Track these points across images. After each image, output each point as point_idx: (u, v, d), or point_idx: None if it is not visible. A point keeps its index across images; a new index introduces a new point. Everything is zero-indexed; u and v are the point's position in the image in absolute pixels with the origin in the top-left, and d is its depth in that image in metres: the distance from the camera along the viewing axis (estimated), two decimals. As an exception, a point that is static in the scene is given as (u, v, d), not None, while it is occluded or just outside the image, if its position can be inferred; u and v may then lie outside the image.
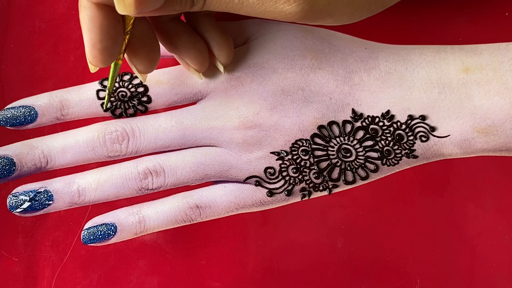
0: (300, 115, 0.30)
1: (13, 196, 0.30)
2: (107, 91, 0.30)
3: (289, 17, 0.24)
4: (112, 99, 0.31)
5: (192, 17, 0.29)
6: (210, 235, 0.32)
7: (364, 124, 0.29)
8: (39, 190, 0.30)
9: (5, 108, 0.30)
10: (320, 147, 0.29)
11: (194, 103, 0.31)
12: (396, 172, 0.30)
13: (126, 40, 0.26)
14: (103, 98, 0.30)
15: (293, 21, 0.24)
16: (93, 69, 0.26)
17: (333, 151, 0.30)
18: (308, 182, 0.30)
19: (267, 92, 0.30)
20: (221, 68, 0.29)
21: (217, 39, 0.29)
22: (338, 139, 0.30)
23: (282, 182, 0.30)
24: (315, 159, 0.29)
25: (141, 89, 0.31)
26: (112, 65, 0.28)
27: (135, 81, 0.31)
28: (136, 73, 0.28)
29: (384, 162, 0.29)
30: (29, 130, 0.31)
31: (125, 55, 0.27)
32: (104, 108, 0.30)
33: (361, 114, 0.30)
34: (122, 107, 0.31)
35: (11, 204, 0.29)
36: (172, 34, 0.28)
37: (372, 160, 0.29)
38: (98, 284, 0.32)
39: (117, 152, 0.30)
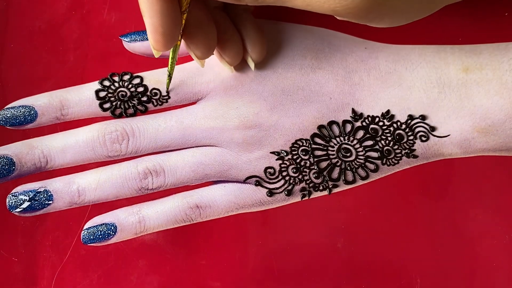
0: (300, 115, 0.30)
1: (12, 196, 0.29)
2: (167, 73, 0.29)
3: (349, 9, 0.22)
4: (112, 98, 0.31)
5: (231, 11, 0.29)
6: (210, 235, 0.32)
7: (364, 124, 0.29)
8: (38, 190, 0.30)
9: (5, 108, 0.30)
10: (320, 147, 0.29)
11: (194, 103, 0.31)
12: (396, 172, 0.30)
13: (183, 21, 0.26)
14: (103, 98, 0.30)
15: (348, 16, 0.23)
16: (156, 54, 0.27)
17: (333, 151, 0.30)
18: (308, 182, 0.30)
19: (267, 92, 0.30)
20: (252, 65, 0.30)
21: (253, 35, 0.29)
22: (338, 139, 0.30)
23: (282, 182, 0.30)
24: (315, 159, 0.29)
25: (141, 89, 0.31)
26: (172, 47, 0.28)
27: (135, 81, 0.31)
28: (195, 59, 0.28)
29: (384, 162, 0.29)
30: (29, 130, 0.31)
31: (182, 41, 0.27)
32: (166, 91, 0.31)
33: (361, 114, 0.30)
34: (122, 107, 0.31)
35: (10, 203, 0.29)
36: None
37: (372, 160, 0.29)
38: (98, 284, 0.32)
39: (117, 152, 0.30)
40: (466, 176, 0.31)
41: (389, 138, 0.29)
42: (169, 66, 0.29)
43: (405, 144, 0.29)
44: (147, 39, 0.31)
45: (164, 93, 0.31)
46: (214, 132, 0.30)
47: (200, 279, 0.32)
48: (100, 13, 0.34)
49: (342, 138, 0.30)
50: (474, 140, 0.28)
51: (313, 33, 0.31)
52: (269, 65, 0.30)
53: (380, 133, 0.29)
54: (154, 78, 0.31)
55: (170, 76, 0.30)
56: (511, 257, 0.31)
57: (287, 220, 0.32)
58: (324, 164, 0.29)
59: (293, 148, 0.29)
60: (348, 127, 0.30)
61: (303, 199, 0.30)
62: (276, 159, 0.30)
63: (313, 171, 0.29)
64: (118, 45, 0.33)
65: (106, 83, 0.31)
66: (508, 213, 0.31)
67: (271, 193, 0.30)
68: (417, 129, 0.29)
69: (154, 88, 0.31)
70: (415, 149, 0.29)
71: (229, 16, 0.29)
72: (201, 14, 0.27)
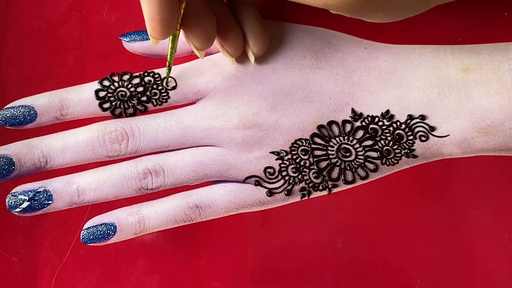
0: (299, 114, 0.30)
1: (12, 195, 0.29)
2: (167, 63, 0.29)
3: (340, 2, 0.22)
4: (112, 98, 0.31)
5: (234, 4, 0.29)
6: (209, 235, 0.32)
7: (363, 123, 0.29)
8: (38, 190, 0.30)
9: (5, 107, 0.30)
10: (320, 146, 0.29)
11: (193, 102, 0.31)
12: (396, 172, 0.30)
13: (182, 10, 0.26)
14: (102, 98, 0.30)
15: (340, 10, 0.23)
16: (154, 42, 0.26)
17: (333, 150, 0.30)
18: (307, 181, 0.30)
19: (266, 91, 0.30)
20: (252, 58, 0.30)
21: (255, 29, 0.29)
22: (337, 138, 0.30)
23: (281, 181, 0.30)
24: (315, 159, 0.29)
25: (140, 89, 0.31)
26: (171, 37, 0.28)
27: (135, 81, 0.31)
28: (194, 50, 0.28)
29: (383, 161, 0.29)
30: (29, 130, 0.31)
31: (182, 32, 0.27)
32: (166, 81, 0.31)
33: (361, 114, 0.30)
34: (121, 106, 0.31)
35: (10, 203, 0.29)
36: (214, 13, 0.28)
37: (371, 160, 0.29)
38: (98, 284, 0.32)
39: (117, 152, 0.30)
40: (465, 176, 0.31)
41: (389, 138, 0.29)
42: (169, 56, 0.29)
43: (404, 144, 0.29)
44: (147, 39, 0.31)
45: (168, 87, 0.31)
46: (214, 132, 0.30)
47: (199, 279, 0.32)
48: (100, 13, 0.34)
49: (341, 138, 0.30)
50: (473, 140, 0.28)
51: (313, 33, 0.31)
52: (269, 65, 0.30)
53: (379, 133, 0.29)
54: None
55: (169, 67, 0.29)
56: (510, 257, 0.31)
57: (287, 220, 0.32)
58: (323, 164, 0.29)
59: (292, 148, 0.29)
60: (348, 127, 0.30)
61: (303, 199, 0.30)
62: (276, 159, 0.30)
63: (313, 171, 0.29)
64: (117, 45, 0.33)
65: (106, 83, 0.31)
66: (508, 213, 0.31)
67: (270, 193, 0.30)
68: (416, 129, 0.29)
69: (154, 88, 0.31)
70: (414, 149, 0.29)
71: (232, 9, 0.29)
72: (199, 4, 0.27)
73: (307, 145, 0.29)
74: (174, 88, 0.31)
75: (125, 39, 0.32)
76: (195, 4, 0.27)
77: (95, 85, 0.31)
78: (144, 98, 0.31)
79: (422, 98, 0.29)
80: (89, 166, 0.31)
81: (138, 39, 0.31)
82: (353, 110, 0.30)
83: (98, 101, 0.30)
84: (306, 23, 0.32)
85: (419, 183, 0.31)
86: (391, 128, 0.29)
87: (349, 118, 0.30)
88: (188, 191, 0.30)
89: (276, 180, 0.30)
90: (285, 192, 0.30)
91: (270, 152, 0.30)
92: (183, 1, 0.26)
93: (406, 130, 0.29)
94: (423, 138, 0.29)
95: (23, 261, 0.32)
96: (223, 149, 0.30)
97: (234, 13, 0.29)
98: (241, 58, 0.30)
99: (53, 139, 0.30)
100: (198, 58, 0.30)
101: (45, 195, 0.30)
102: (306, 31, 0.31)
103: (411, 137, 0.29)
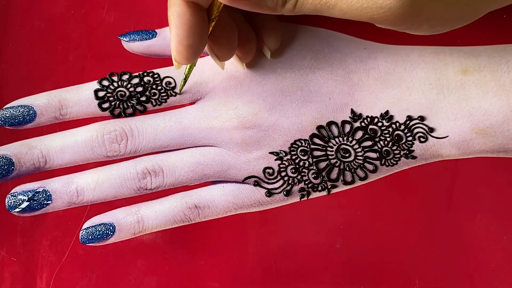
0: (299, 115, 0.30)
1: (11, 195, 0.29)
2: (184, 76, 0.29)
3: (386, 16, 0.22)
4: (111, 98, 0.31)
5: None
6: (208, 235, 0.32)
7: (363, 124, 0.30)
8: (37, 190, 0.30)
9: (4, 107, 0.30)
10: (319, 147, 0.30)
11: (193, 103, 0.31)
12: (395, 173, 0.30)
13: (211, 28, 0.26)
14: (101, 98, 0.30)
15: (385, 23, 0.22)
16: (177, 66, 0.26)
17: (332, 151, 0.30)
18: (307, 182, 0.30)
19: (266, 92, 0.30)
20: (268, 54, 0.30)
21: (268, 23, 0.29)
22: (337, 139, 0.30)
23: (280, 182, 0.30)
24: (314, 159, 0.29)
25: (139, 89, 0.31)
26: None
27: (134, 81, 0.31)
28: (215, 60, 0.28)
29: (383, 162, 0.29)
30: (28, 130, 0.30)
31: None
32: (179, 93, 0.31)
33: (360, 115, 0.30)
34: (120, 106, 0.31)
35: (9, 204, 0.29)
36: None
37: (371, 161, 0.29)
38: (97, 284, 0.32)
39: (116, 152, 0.30)
40: (463, 178, 0.31)
41: (388, 139, 0.29)
42: (187, 69, 0.29)
43: (403, 145, 0.29)
44: (146, 39, 0.31)
45: (177, 90, 0.31)
46: (213, 132, 0.30)
47: (198, 279, 0.32)
48: (99, 12, 0.34)
49: (341, 139, 0.30)
50: (472, 141, 0.28)
51: (313, 33, 0.31)
52: (268, 65, 0.30)
53: (379, 134, 0.29)
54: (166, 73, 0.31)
55: (185, 79, 0.30)
56: (509, 258, 0.31)
57: (286, 221, 0.32)
58: (323, 165, 0.30)
59: (292, 149, 0.30)
60: (347, 127, 0.30)
61: (302, 199, 0.30)
62: (275, 159, 0.30)
63: (312, 171, 0.30)
64: (117, 44, 0.33)
65: (105, 82, 0.31)
66: (506, 214, 0.31)
67: (270, 193, 0.30)
68: (415, 130, 0.29)
69: (154, 88, 0.31)
70: (413, 150, 0.29)
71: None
72: (225, 18, 0.27)
73: (306, 145, 0.30)
74: (174, 89, 0.31)
75: (124, 39, 0.32)
76: (221, 17, 0.26)
77: (94, 85, 0.31)
78: (143, 98, 0.31)
79: (421, 99, 0.29)
80: (89, 166, 0.31)
81: (137, 39, 0.31)
82: (352, 111, 0.30)
83: (97, 101, 0.30)
84: (306, 23, 0.32)
85: (418, 184, 0.31)
86: (390, 129, 0.29)
87: (348, 119, 0.30)
88: (187, 191, 0.30)
89: (275, 180, 0.30)
90: (284, 192, 0.30)
91: (269, 153, 0.30)
92: (214, 20, 0.25)
93: (405, 131, 0.29)
94: (422, 139, 0.29)
95: (22, 261, 0.32)
96: (222, 150, 0.30)
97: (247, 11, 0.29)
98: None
99: (53, 139, 0.30)
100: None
101: (44, 195, 0.30)
102: (306, 32, 0.31)
103: (410, 138, 0.29)
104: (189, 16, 0.24)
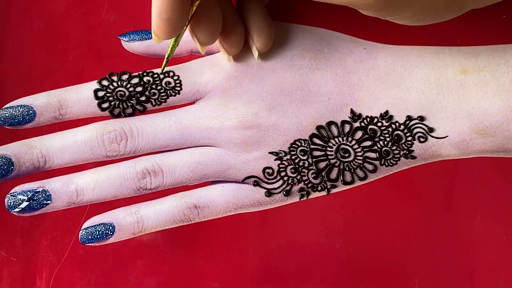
0: (298, 115, 0.30)
1: (11, 195, 0.29)
2: (166, 55, 0.29)
3: (366, 0, 0.21)
4: (111, 98, 0.31)
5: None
6: (208, 235, 0.32)
7: (362, 124, 0.30)
8: (37, 190, 0.30)
9: (3, 107, 0.30)
10: (319, 147, 0.30)
11: (192, 103, 0.31)
12: (395, 173, 0.30)
13: (194, 8, 0.25)
14: (101, 98, 0.30)
15: (365, 7, 0.22)
16: (156, 40, 0.26)
17: (332, 151, 0.30)
18: (306, 182, 0.30)
19: (265, 92, 0.30)
20: (256, 54, 0.29)
21: (260, 24, 0.29)
22: (336, 139, 0.30)
23: (280, 182, 0.30)
24: (314, 159, 0.29)
25: (139, 89, 0.31)
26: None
27: (134, 81, 0.31)
28: (196, 44, 0.28)
29: (382, 162, 0.29)
30: (28, 130, 0.30)
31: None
32: (161, 72, 0.30)
33: (360, 115, 0.30)
34: (120, 106, 0.31)
35: (9, 203, 0.29)
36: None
37: (370, 161, 0.29)
38: (96, 284, 0.32)
39: (116, 151, 0.30)
40: (463, 178, 0.31)
41: (388, 139, 0.29)
42: (169, 49, 0.28)
43: (403, 145, 0.29)
44: (146, 39, 0.31)
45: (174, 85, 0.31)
46: (213, 132, 0.30)
47: (198, 279, 0.32)
48: (99, 12, 0.34)
49: (340, 139, 0.30)
50: (472, 141, 0.28)
51: (312, 33, 0.31)
52: (268, 65, 0.30)
53: (378, 134, 0.29)
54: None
55: (167, 60, 0.29)
56: (509, 258, 0.31)
57: (286, 221, 0.32)
58: (322, 165, 0.30)
59: (291, 149, 0.29)
60: (347, 127, 0.30)
61: (302, 199, 0.30)
62: (275, 159, 0.30)
63: (312, 171, 0.29)
64: (117, 44, 0.33)
65: (105, 82, 0.31)
66: (506, 214, 0.31)
67: (269, 193, 0.30)
68: (415, 130, 0.29)
69: (153, 88, 0.31)
70: (413, 150, 0.29)
71: (239, 4, 0.29)
72: (212, 1, 0.26)
73: (306, 145, 0.30)
74: (174, 88, 0.31)
75: (124, 39, 0.32)
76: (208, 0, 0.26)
77: (94, 84, 0.31)
78: (143, 98, 0.31)
79: (421, 99, 0.29)
80: (88, 166, 0.31)
81: (137, 38, 0.31)
82: (352, 111, 0.30)
83: (97, 101, 0.30)
84: (306, 23, 0.32)
85: (417, 184, 0.31)
86: (390, 129, 0.29)
87: (348, 119, 0.30)
88: (187, 191, 0.30)
89: (275, 180, 0.30)
90: (284, 192, 0.30)
91: (269, 153, 0.30)
92: (196, 0, 0.25)
93: (405, 131, 0.29)
94: (422, 139, 0.29)
95: (22, 261, 0.32)
96: (222, 150, 0.30)
97: (240, 7, 0.29)
98: (241, 58, 0.30)
99: (52, 139, 0.30)
100: (197, 59, 0.30)
101: (44, 195, 0.30)
102: (305, 31, 0.31)
103: (409, 138, 0.29)
104: None
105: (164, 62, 0.29)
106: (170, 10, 0.24)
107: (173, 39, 0.27)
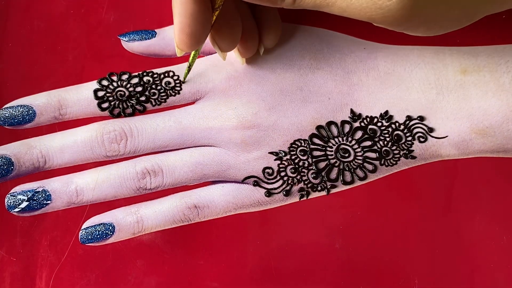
0: (298, 115, 0.30)
1: (11, 195, 0.29)
2: (188, 64, 0.29)
3: (385, 17, 0.21)
4: (111, 98, 0.31)
5: None
6: (208, 235, 0.32)
7: (362, 124, 0.30)
8: (37, 190, 0.30)
9: (3, 107, 0.30)
10: (319, 147, 0.30)
11: (192, 102, 0.31)
12: (395, 173, 0.30)
13: (214, 17, 0.25)
14: (101, 98, 0.30)
15: (384, 23, 0.22)
16: (179, 52, 0.26)
17: (332, 151, 0.30)
18: (306, 182, 0.30)
19: (265, 92, 0.30)
20: (261, 49, 0.30)
21: (269, 21, 0.29)
22: (336, 139, 0.30)
23: (280, 182, 0.30)
24: (314, 159, 0.29)
25: (139, 89, 0.31)
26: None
27: (133, 81, 0.31)
28: (218, 52, 0.28)
29: (382, 162, 0.29)
30: (27, 130, 0.30)
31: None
32: (183, 81, 0.30)
33: (360, 115, 0.30)
34: (120, 106, 0.31)
35: (9, 203, 0.29)
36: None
37: (370, 161, 0.29)
38: (96, 284, 0.32)
39: (115, 151, 0.30)
40: (463, 178, 0.31)
41: (388, 139, 0.29)
42: (191, 58, 0.29)
43: (403, 145, 0.29)
44: (146, 39, 0.31)
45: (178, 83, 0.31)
46: (213, 132, 0.30)
47: (198, 279, 0.32)
48: (99, 12, 0.34)
49: (340, 139, 0.30)
50: (471, 141, 0.28)
51: (312, 33, 0.31)
52: (268, 65, 0.30)
53: (378, 134, 0.29)
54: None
55: (189, 67, 0.29)
56: (509, 258, 0.31)
57: (285, 221, 0.32)
58: (322, 165, 0.30)
59: (291, 149, 0.30)
60: (347, 127, 0.30)
61: (301, 199, 0.30)
62: (275, 159, 0.30)
63: (312, 171, 0.29)
64: (116, 44, 0.33)
65: (105, 82, 0.31)
66: (505, 214, 0.31)
67: (269, 193, 0.30)
68: (415, 130, 0.29)
69: (153, 88, 0.31)
70: (413, 150, 0.29)
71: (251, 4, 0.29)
72: (231, 9, 0.27)
73: (305, 145, 0.30)
74: (174, 88, 0.31)
75: (124, 39, 0.32)
76: (226, 6, 0.26)
77: (94, 84, 0.31)
78: (143, 98, 0.31)
79: (421, 99, 0.29)
80: (88, 166, 0.31)
81: (137, 38, 0.31)
82: (352, 111, 0.30)
83: (96, 101, 0.30)
84: (306, 23, 0.32)
85: (417, 184, 0.31)
86: (390, 129, 0.29)
87: (348, 119, 0.30)
88: (187, 191, 0.30)
89: (274, 180, 0.30)
90: (284, 192, 0.30)
91: (269, 153, 0.30)
92: (218, 9, 0.25)
93: (405, 131, 0.29)
94: (422, 139, 0.29)
95: (22, 261, 0.32)
96: (222, 150, 0.30)
97: (252, 5, 0.29)
98: (237, 59, 0.30)
99: (52, 139, 0.30)
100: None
101: (43, 195, 0.30)
102: (305, 32, 0.31)
103: (409, 138, 0.29)
104: (192, 4, 0.23)
105: (186, 71, 0.30)
106: (193, 24, 0.24)
107: (193, 53, 0.28)
